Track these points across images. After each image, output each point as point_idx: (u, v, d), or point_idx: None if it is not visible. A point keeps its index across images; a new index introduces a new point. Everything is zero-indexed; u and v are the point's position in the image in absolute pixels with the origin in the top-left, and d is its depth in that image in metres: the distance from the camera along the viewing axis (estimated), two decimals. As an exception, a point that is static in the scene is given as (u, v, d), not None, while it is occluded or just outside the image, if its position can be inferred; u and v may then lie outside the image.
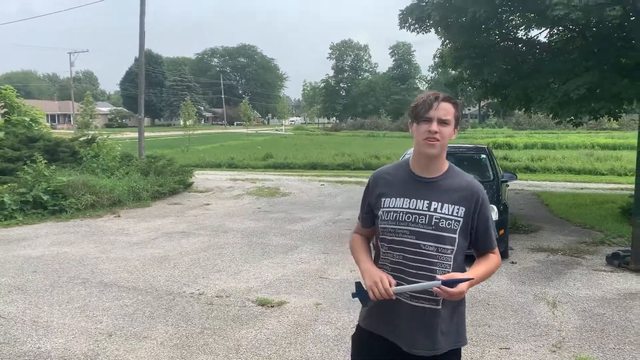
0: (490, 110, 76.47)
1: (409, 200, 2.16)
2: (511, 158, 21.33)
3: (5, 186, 10.72)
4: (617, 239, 8.35)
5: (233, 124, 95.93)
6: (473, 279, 2.04)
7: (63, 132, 47.31)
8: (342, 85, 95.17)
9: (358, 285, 2.21)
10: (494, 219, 2.21)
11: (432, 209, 2.12)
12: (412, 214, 2.14)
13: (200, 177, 16.94)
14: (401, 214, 2.15)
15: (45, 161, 11.41)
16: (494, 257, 2.24)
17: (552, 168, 19.11)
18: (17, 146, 13.05)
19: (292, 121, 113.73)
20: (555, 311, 5.35)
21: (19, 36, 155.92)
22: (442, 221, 2.10)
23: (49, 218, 10.16)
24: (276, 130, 76.11)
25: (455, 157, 9.77)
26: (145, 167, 13.96)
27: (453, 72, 14.03)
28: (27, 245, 8.09)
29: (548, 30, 11.49)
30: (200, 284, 6.22)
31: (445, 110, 2.08)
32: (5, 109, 16.65)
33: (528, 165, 19.55)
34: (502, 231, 7.17)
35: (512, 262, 7.18)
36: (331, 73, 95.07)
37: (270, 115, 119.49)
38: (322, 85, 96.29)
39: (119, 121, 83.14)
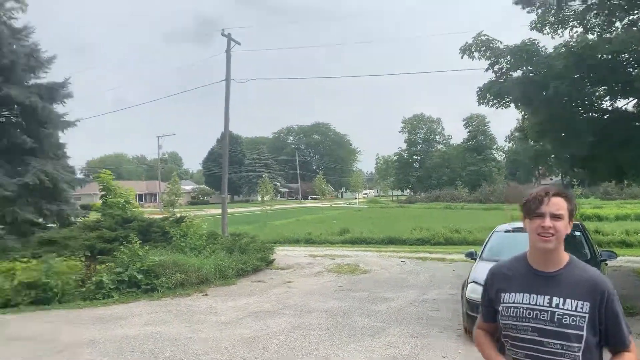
0: (574, 180, 73.20)
1: (529, 296, 2.15)
2: (603, 231, 20.05)
3: (103, 266, 11.39)
4: None
5: (307, 198, 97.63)
6: None
7: (149, 209, 50.13)
8: (415, 157, 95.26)
9: None
10: None
11: (553, 305, 2.08)
12: (533, 310, 2.12)
13: (280, 254, 17.18)
14: (522, 310, 2.14)
15: (140, 241, 12.08)
16: (629, 357, 2.11)
17: (651, 242, 17.78)
18: (113, 227, 13.92)
19: (365, 194, 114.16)
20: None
21: (111, 123, 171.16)
22: (566, 317, 2.05)
23: (142, 297, 10.62)
24: (349, 203, 76.55)
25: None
26: (229, 245, 14.42)
27: (534, 143, 13.75)
28: (124, 325, 8.47)
29: (635, 100, 11.14)
30: (290, 367, 6.19)
31: (557, 205, 2.09)
32: (103, 192, 18.00)
33: (623, 239, 18.30)
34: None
35: (620, 350, 6.62)
36: (404, 146, 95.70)
37: (343, 189, 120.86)
38: (395, 158, 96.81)
39: (201, 198, 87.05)
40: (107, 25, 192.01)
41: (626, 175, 10.19)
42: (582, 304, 2.06)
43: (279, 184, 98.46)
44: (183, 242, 13.51)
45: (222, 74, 21.10)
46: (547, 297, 2.11)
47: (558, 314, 2.07)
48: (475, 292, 7.07)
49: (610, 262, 9.65)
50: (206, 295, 10.94)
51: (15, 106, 16.42)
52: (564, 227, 2.09)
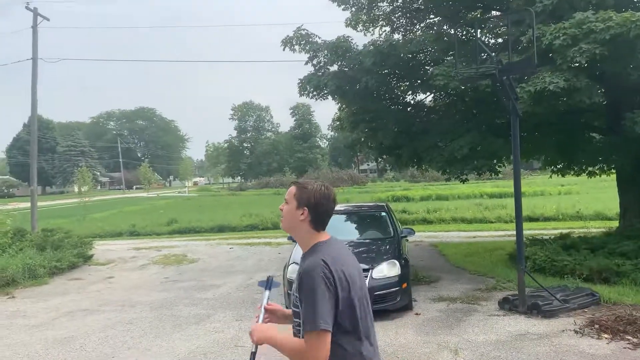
0: (388, 165, 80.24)
1: None
2: (409, 211, 22.55)
3: None
4: (507, 284, 9.15)
5: (132, 188, 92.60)
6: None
7: (-61, 205, 43.09)
8: (245, 145, 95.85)
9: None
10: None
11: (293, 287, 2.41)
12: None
13: (101, 248, 16.17)
14: None
15: None
16: (299, 342, 2.14)
17: (446, 219, 20.42)
18: None
19: (196, 182, 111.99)
20: (458, 358, 5.79)
21: None
22: (294, 296, 2.27)
23: None
24: (179, 192, 74.50)
25: (357, 215, 10.36)
26: (41, 241, 13.17)
27: (349, 132, 14.83)
28: None
29: (432, 95, 12.69)
30: (110, 364, 6.00)
31: (288, 191, 2.39)
32: None
33: (425, 217, 20.75)
34: (404, 285, 7.65)
35: (417, 314, 7.64)
36: (234, 133, 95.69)
37: (172, 178, 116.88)
38: (226, 145, 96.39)
39: (6, 191, 77.19)
40: None
41: (423, 160, 11.61)
42: (295, 285, 2.28)
43: (98, 173, 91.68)
44: (-18, 240, 12.02)
45: (29, 50, 18.96)
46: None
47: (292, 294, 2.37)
48: (294, 272, 7.52)
49: (411, 238, 10.98)
50: (13, 297, 9.92)
51: None
52: (286, 210, 2.36)
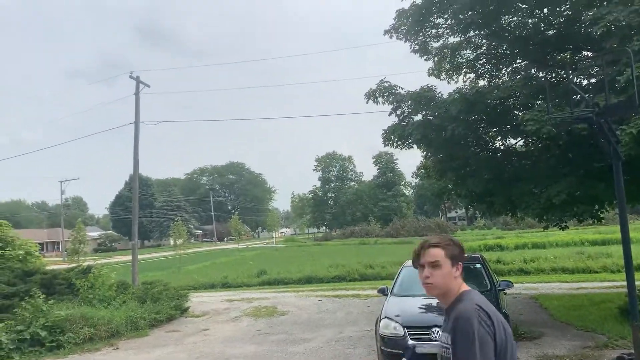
0: (478, 212, 77.61)
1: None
2: (504, 260, 21.42)
3: (1, 324, 10.54)
4: (620, 342, 8.37)
5: (223, 240, 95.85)
6: None
7: (52, 259, 46.90)
8: (329, 195, 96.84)
9: None
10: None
11: (439, 336, 2.34)
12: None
13: (196, 300, 16.74)
14: None
15: (43, 295, 11.37)
16: None
17: (545, 269, 19.20)
18: (12, 281, 13.02)
19: (282, 232, 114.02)
20: None
21: (8, 166, 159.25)
22: (444, 349, 2.26)
23: (46, 355, 9.94)
24: (267, 243, 76.06)
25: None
26: (141, 294, 13.89)
27: (436, 180, 14.51)
28: (25, 388, 7.89)
29: (523, 140, 12.26)
30: (207, 419, 6.07)
31: (433, 254, 2.28)
32: (0, 244, 16.73)
33: (522, 268, 19.62)
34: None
35: (520, 373, 7.13)
36: (318, 184, 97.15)
37: (260, 229, 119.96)
38: (310, 196, 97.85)
39: (109, 245, 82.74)
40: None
41: (518, 208, 11.11)
42: (447, 336, 2.22)
43: (192, 226, 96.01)
44: (91, 293, 12.87)
45: (129, 114, 20.68)
46: (439, 329, 2.37)
47: (441, 345, 2.30)
48: (387, 328, 7.34)
49: (509, 290, 10.40)
50: (117, 348, 10.45)
51: None
52: (443, 273, 2.24)
